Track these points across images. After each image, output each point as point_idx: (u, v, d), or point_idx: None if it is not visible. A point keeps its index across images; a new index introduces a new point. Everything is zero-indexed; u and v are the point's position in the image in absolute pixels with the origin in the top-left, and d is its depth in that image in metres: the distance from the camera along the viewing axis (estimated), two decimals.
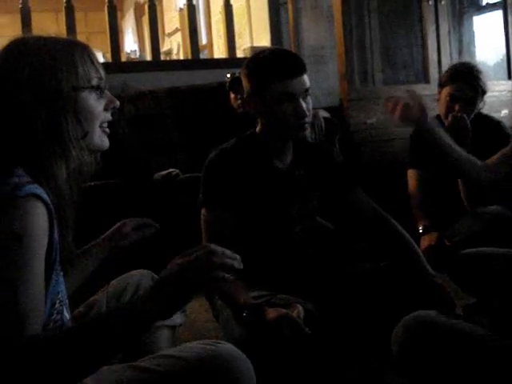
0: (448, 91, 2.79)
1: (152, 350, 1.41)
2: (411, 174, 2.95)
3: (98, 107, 1.16)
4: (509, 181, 1.89)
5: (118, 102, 1.22)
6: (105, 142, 1.20)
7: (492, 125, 2.86)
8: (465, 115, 2.68)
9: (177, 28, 7.31)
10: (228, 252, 1.05)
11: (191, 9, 4.51)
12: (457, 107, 2.75)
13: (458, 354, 1.32)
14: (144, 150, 3.47)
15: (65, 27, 4.06)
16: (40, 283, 1.00)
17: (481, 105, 2.81)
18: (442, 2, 4.01)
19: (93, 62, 1.16)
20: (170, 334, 1.60)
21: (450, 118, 2.69)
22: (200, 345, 1.14)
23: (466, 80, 2.76)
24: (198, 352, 1.10)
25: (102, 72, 1.18)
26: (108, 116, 1.20)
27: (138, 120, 3.60)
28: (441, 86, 2.86)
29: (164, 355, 1.15)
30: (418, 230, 2.79)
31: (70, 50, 1.14)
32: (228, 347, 1.13)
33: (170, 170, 3.19)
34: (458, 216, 2.73)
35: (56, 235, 1.06)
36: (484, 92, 2.78)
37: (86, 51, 1.17)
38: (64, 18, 4.08)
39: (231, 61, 4.41)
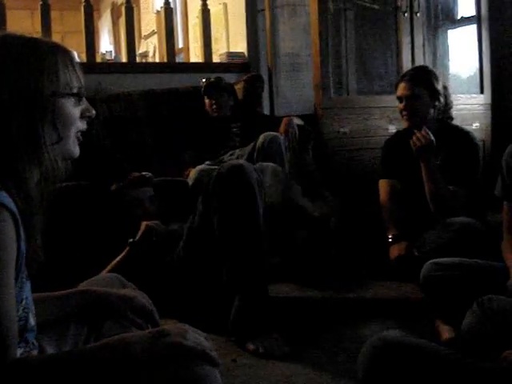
0: (397, 95, 2.87)
1: None
2: (382, 185, 2.99)
3: (75, 114, 1.15)
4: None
5: (94, 112, 1.21)
6: (76, 151, 1.18)
7: (461, 135, 2.92)
8: (428, 131, 2.72)
9: (153, 30, 7.28)
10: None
11: (168, 11, 4.49)
12: (401, 105, 2.82)
13: (423, 375, 1.33)
14: (117, 152, 3.45)
15: (40, 26, 4.02)
16: (13, 297, 0.99)
17: (438, 103, 2.86)
18: (418, 15, 4.06)
19: (75, 69, 1.15)
20: None
21: (415, 138, 2.74)
22: None
23: (408, 78, 2.85)
24: None
25: (82, 79, 1.17)
26: (83, 125, 1.19)
27: (112, 122, 3.58)
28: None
29: None
30: (388, 239, 2.82)
31: (54, 54, 1.12)
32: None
33: (144, 173, 3.17)
34: (428, 226, 2.77)
35: (22, 244, 1.04)
36: (434, 90, 2.84)
37: (68, 56, 1.15)
38: (39, 17, 4.04)
39: (207, 65, 4.41)
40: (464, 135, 2.92)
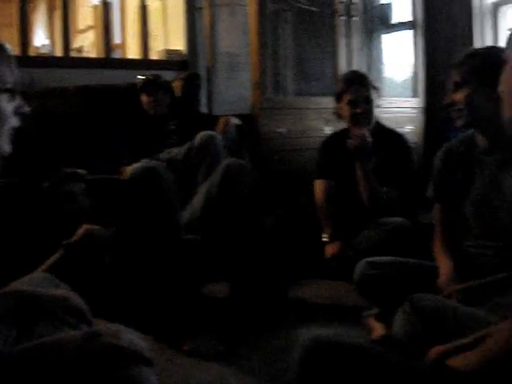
0: (347, 99, 2.91)
1: None
2: (318, 185, 3.03)
3: (7, 110, 1.12)
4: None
5: (27, 108, 1.17)
6: (6, 148, 1.15)
7: (394, 137, 3.00)
8: (367, 134, 2.79)
9: (90, 25, 7.14)
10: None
11: (105, 6, 4.42)
12: (359, 109, 2.88)
13: (354, 374, 1.34)
14: (51, 148, 3.36)
15: None
16: None
17: (379, 101, 2.99)
18: (354, 18, 4.13)
19: (8, 63, 1.12)
20: None
21: (353, 139, 2.80)
22: None
23: (358, 82, 2.93)
24: None
25: (16, 74, 1.14)
26: (16, 121, 1.15)
27: (45, 117, 3.48)
28: (339, 98, 2.97)
29: None
30: (323, 238, 2.85)
31: None
32: None
33: (77, 170, 3.10)
34: (362, 226, 2.82)
35: None
36: (375, 88, 2.97)
37: (4, 51, 1.12)
38: None
39: (144, 62, 4.36)
40: (397, 138, 3.01)
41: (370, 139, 2.78)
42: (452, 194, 1.95)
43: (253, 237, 2.27)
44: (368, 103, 2.91)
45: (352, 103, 2.92)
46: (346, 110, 2.95)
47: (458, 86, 1.82)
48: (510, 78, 1.11)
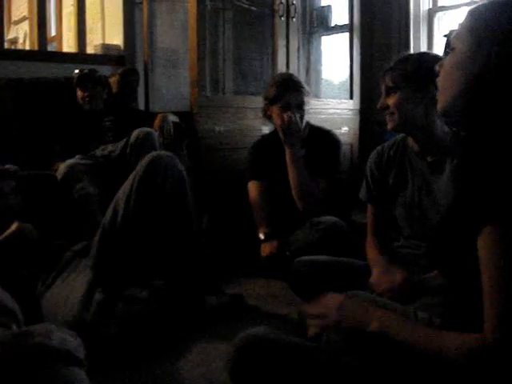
0: (282, 102, 2.93)
1: None
2: (252, 185, 3.05)
3: None
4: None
5: None
6: None
7: (323, 133, 3.07)
8: (290, 114, 2.87)
9: (24, 16, 6.94)
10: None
11: None
12: (290, 113, 2.90)
13: (289, 369, 1.36)
14: None
15: None
16: None
17: (308, 106, 3.03)
18: (294, 20, 4.16)
19: None
20: None
21: (285, 120, 2.84)
22: None
23: (295, 87, 2.95)
24: None
25: None
26: None
27: None
28: (271, 101, 2.98)
29: None
30: (259, 237, 2.87)
31: None
32: None
33: (8, 166, 3.01)
34: (297, 225, 2.85)
35: None
36: (308, 93, 3.01)
37: None
38: None
39: (80, 56, 4.27)
40: (325, 133, 3.08)
41: (298, 122, 2.86)
42: (383, 195, 2.00)
43: (183, 235, 2.23)
44: (301, 109, 2.94)
45: (285, 107, 2.94)
46: (277, 114, 2.96)
47: (389, 91, 1.87)
48: (448, 64, 1.15)
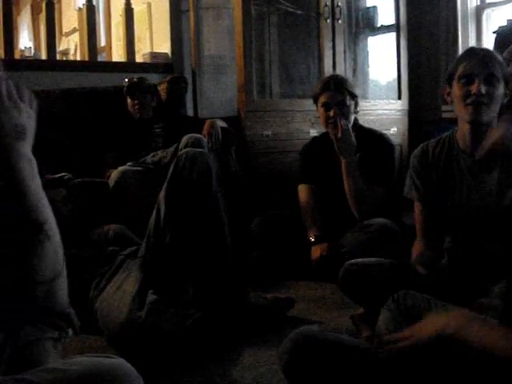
0: (321, 102, 2.95)
1: (36, 363, 1.35)
2: (302, 189, 3.06)
3: None
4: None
5: None
6: None
7: (375, 137, 3.04)
8: (346, 122, 2.86)
9: (75, 28, 7.11)
10: None
11: (90, 9, 4.41)
12: (332, 113, 2.90)
13: (342, 368, 1.36)
14: (35, 152, 3.34)
15: None
16: None
17: (358, 108, 3.03)
18: (339, 22, 4.15)
19: None
20: (56, 346, 1.54)
21: (339, 134, 2.84)
22: (89, 358, 1.09)
23: (332, 87, 2.95)
24: (86, 365, 1.05)
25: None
26: None
27: None
28: (315, 101, 3.01)
29: (49, 368, 1.09)
30: (310, 239, 2.87)
31: None
32: (119, 362, 1.08)
33: (62, 173, 3.09)
34: (347, 228, 2.84)
35: None
36: (353, 95, 2.99)
37: None
38: None
39: (130, 65, 4.35)
40: (378, 137, 3.05)
41: (350, 129, 2.87)
42: (429, 193, 1.97)
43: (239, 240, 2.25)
44: (342, 107, 2.93)
45: (326, 106, 2.95)
46: (320, 113, 3.00)
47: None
48: None
